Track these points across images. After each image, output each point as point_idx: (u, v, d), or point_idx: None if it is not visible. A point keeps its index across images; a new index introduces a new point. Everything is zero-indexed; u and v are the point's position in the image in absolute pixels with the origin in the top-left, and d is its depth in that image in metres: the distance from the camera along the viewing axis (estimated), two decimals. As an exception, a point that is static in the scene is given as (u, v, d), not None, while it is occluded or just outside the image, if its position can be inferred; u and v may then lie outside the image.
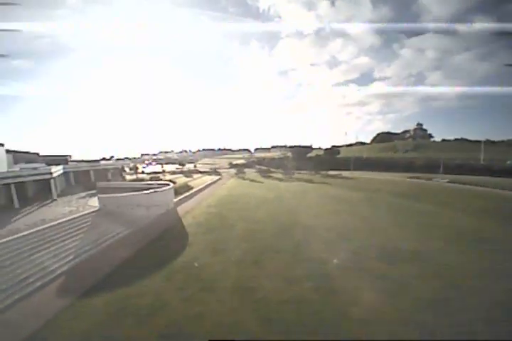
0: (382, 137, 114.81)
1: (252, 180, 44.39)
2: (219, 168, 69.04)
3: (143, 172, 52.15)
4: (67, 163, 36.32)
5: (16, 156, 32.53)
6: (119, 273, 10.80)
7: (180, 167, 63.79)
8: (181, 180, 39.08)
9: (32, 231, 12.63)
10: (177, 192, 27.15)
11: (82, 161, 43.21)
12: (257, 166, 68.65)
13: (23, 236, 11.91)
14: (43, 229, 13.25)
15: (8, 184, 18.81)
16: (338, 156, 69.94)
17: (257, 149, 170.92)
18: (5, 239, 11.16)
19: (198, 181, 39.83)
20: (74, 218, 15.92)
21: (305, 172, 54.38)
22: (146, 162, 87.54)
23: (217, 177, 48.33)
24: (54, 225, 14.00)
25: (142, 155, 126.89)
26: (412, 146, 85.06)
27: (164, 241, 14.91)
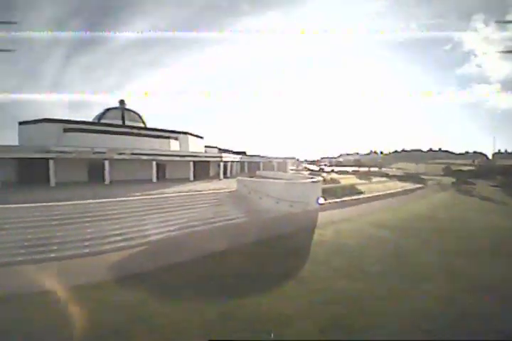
0: None
1: (490, 199, 26.96)
2: (422, 174, 53.23)
3: (307, 169, 51.75)
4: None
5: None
6: (182, 268, 8.12)
7: (357, 169, 56.37)
8: (349, 181, 31.53)
9: (161, 196, 13.63)
10: (334, 193, 21.72)
11: (262, 157, 52.00)
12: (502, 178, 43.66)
13: (152, 198, 12.93)
14: (173, 196, 14.07)
15: (188, 161, 24.31)
16: None
17: (506, 153, 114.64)
18: (135, 198, 12.52)
19: (377, 186, 30.45)
20: (206, 193, 16.26)
21: None
22: (322, 163, 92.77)
23: (417, 185, 35.91)
24: (183, 195, 14.67)
25: (322, 158, 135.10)
26: None
27: (267, 251, 9.89)
